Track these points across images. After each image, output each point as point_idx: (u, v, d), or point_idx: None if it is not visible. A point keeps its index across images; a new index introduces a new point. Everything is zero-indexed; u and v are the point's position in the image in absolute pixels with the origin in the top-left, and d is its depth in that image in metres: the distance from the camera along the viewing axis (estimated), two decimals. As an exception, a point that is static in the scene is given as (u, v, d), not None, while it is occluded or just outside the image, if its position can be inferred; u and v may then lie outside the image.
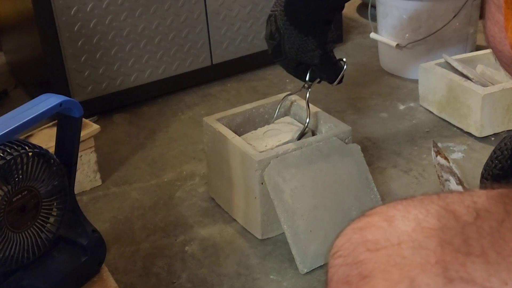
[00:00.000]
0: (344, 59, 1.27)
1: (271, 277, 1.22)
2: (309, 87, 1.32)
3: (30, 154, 0.91)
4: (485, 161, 0.66)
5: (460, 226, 0.37)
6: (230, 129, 1.36)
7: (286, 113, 1.48)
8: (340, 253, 0.41)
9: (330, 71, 1.24)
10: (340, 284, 0.40)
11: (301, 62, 1.24)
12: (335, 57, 1.25)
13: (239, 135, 1.34)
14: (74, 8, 1.73)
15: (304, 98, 1.34)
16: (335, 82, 1.26)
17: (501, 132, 1.61)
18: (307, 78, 1.29)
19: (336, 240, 0.42)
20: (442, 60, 1.79)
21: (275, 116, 1.43)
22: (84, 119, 1.16)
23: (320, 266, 1.22)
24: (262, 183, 1.24)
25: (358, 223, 0.42)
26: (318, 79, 1.30)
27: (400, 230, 0.39)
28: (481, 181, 0.65)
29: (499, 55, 0.66)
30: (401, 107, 1.84)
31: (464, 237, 0.37)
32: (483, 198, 0.39)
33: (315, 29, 1.16)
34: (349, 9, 2.63)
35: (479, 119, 1.59)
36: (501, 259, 0.35)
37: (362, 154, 1.32)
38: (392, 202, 0.42)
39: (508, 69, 0.65)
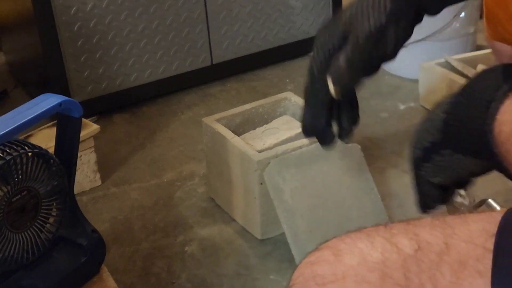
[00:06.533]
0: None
1: (271, 277, 1.22)
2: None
3: (29, 154, 0.91)
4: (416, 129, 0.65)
5: (401, 259, 0.39)
6: (230, 129, 1.36)
7: (285, 112, 1.47)
8: (295, 286, 0.43)
9: None
10: None
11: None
12: None
13: (239, 135, 1.34)
14: (74, 8, 1.73)
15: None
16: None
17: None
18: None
19: (292, 273, 0.45)
20: (442, 60, 1.79)
21: None
22: (84, 119, 1.16)
23: (320, 266, 1.22)
24: (261, 183, 1.24)
25: (310, 257, 0.44)
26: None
27: (345, 264, 0.41)
28: (410, 151, 0.64)
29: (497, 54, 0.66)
30: (402, 107, 1.84)
31: (404, 270, 0.38)
32: (426, 229, 0.40)
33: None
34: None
35: (479, 119, 1.59)
36: None
37: (362, 154, 1.32)
38: (343, 234, 0.44)
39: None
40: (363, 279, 0.39)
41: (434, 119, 0.59)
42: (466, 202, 1.37)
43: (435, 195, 0.62)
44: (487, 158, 0.54)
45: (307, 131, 0.79)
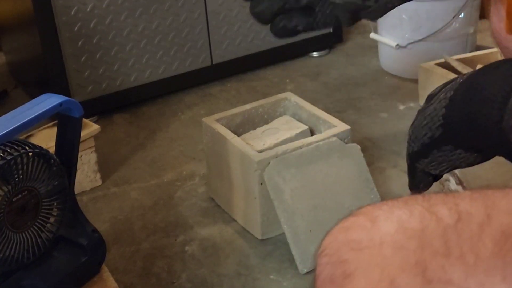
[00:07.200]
0: None
1: (271, 277, 1.22)
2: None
3: (30, 154, 0.91)
4: (413, 124, 0.64)
5: (441, 228, 0.38)
6: (230, 129, 1.36)
7: (285, 112, 1.48)
8: (326, 251, 0.42)
9: None
10: (326, 282, 0.41)
11: None
12: None
13: (239, 135, 1.34)
14: (74, 8, 1.73)
15: None
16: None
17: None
18: None
19: (323, 239, 0.44)
20: (442, 60, 1.79)
21: None
22: (84, 119, 1.16)
23: (320, 266, 1.22)
24: (261, 183, 1.24)
25: (344, 223, 0.43)
26: None
27: (383, 230, 0.40)
28: (408, 146, 0.64)
29: (504, 51, 0.66)
30: (401, 107, 1.84)
31: (445, 239, 0.38)
32: (466, 200, 0.40)
33: None
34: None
35: (479, 119, 1.59)
36: (479, 262, 0.36)
37: (362, 154, 1.32)
38: (378, 202, 0.43)
39: None
40: (402, 246, 0.38)
41: (433, 115, 0.58)
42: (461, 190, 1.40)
43: (428, 181, 0.63)
44: (493, 153, 0.53)
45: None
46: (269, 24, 0.76)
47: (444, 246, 0.37)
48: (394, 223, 0.40)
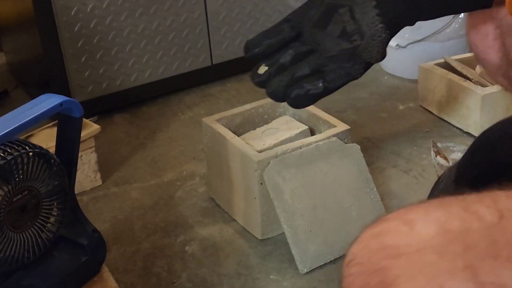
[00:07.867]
0: None
1: (271, 277, 1.22)
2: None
3: (30, 154, 0.91)
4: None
5: (484, 228, 0.36)
6: (230, 129, 1.36)
7: (284, 112, 1.48)
8: (356, 260, 0.39)
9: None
10: None
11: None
12: None
13: (239, 136, 1.34)
14: (75, 9, 1.73)
15: None
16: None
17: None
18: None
19: (351, 248, 0.40)
20: (441, 60, 1.79)
21: None
22: (84, 119, 1.16)
23: (320, 266, 1.22)
24: (261, 183, 1.24)
25: (374, 229, 0.40)
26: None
27: (422, 234, 0.38)
28: (456, 186, 0.65)
29: (483, 63, 0.66)
30: (401, 107, 1.85)
31: (491, 239, 0.35)
32: (503, 198, 0.37)
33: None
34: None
35: (479, 119, 1.59)
36: None
37: (362, 154, 1.32)
38: (408, 205, 0.40)
39: (491, 76, 0.65)
40: (446, 249, 0.36)
41: (446, 176, 0.59)
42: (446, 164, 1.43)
43: None
44: None
45: (249, 44, 0.71)
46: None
47: (491, 247, 0.35)
48: (433, 226, 0.37)
